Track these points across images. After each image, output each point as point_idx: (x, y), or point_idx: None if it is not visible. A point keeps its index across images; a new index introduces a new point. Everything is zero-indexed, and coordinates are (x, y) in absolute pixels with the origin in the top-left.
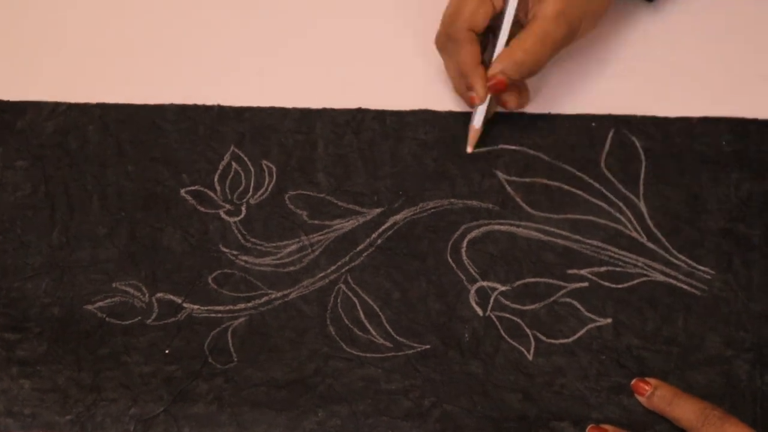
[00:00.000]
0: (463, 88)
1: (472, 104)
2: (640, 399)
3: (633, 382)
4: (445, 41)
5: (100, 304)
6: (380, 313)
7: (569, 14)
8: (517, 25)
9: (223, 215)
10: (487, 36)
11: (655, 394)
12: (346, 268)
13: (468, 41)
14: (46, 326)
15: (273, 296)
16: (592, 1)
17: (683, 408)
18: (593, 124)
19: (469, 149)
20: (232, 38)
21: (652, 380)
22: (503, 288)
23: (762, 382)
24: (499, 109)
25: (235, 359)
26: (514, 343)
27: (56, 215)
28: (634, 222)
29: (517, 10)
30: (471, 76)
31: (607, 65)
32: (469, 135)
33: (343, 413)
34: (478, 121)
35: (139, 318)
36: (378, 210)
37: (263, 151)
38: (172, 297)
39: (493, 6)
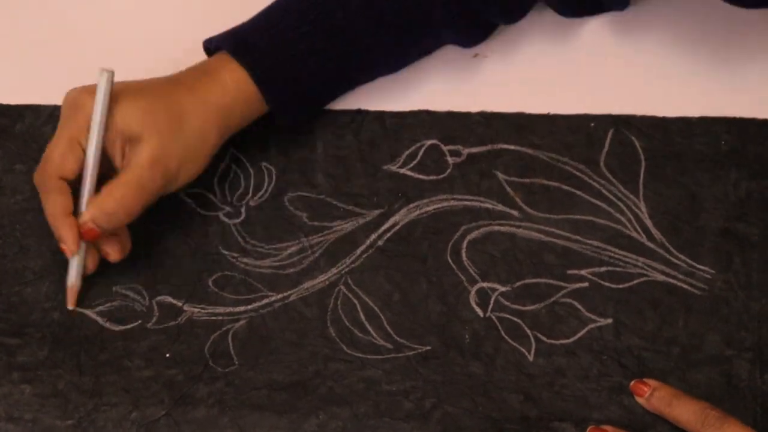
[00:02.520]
0: (58, 240)
1: (65, 254)
2: (640, 400)
3: (632, 383)
4: (39, 190)
5: (101, 308)
6: (381, 315)
7: (165, 162)
8: (114, 171)
9: (222, 217)
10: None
11: (654, 395)
12: (346, 269)
13: (55, 190)
14: (47, 331)
15: (273, 298)
16: (189, 148)
17: (682, 409)
18: (592, 124)
19: (70, 306)
20: None
21: (651, 381)
22: (503, 289)
23: (762, 382)
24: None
25: (236, 362)
26: (515, 344)
27: None
28: (634, 222)
29: (112, 155)
30: (59, 228)
31: (607, 65)
32: (67, 293)
33: (344, 415)
34: (72, 276)
35: (140, 322)
36: (378, 211)
37: (263, 153)
38: (172, 300)
39: (81, 146)
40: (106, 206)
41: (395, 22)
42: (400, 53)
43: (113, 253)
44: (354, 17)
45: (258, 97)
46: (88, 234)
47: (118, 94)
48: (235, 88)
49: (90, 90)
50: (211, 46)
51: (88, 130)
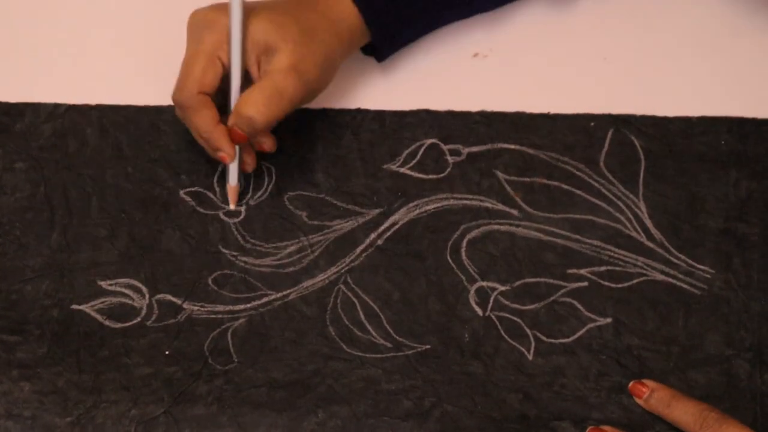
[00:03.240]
0: (212, 151)
1: (225, 163)
2: (638, 401)
3: (630, 384)
4: (180, 110)
5: (100, 306)
6: (380, 314)
7: (302, 69)
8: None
9: (222, 216)
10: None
11: (652, 396)
12: (346, 268)
13: (202, 104)
14: (46, 328)
15: (273, 297)
16: (323, 57)
17: (681, 410)
18: (592, 123)
19: (232, 206)
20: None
21: (649, 383)
22: (503, 288)
23: (762, 382)
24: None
25: (236, 360)
26: (514, 343)
27: (55, 217)
28: (634, 221)
29: (248, 67)
30: (213, 138)
31: (607, 65)
32: (228, 194)
33: (344, 414)
34: (233, 178)
35: (139, 319)
36: (377, 210)
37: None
38: (172, 298)
39: (223, 65)
40: (245, 111)
41: None
42: None
43: (268, 141)
44: None
45: (362, 28)
46: (236, 136)
47: (248, 10)
48: (345, 13)
49: (219, 8)
50: None
51: (225, 44)
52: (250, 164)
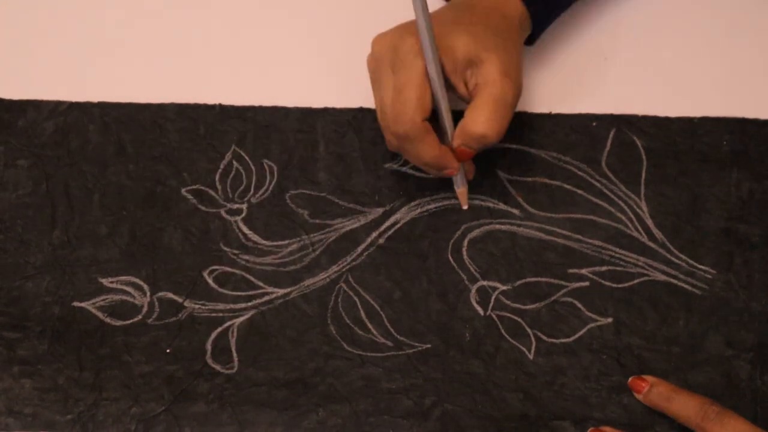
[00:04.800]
0: (435, 171)
1: (452, 176)
2: (638, 396)
3: (630, 380)
4: (402, 142)
5: (101, 303)
6: (381, 313)
7: (512, 72)
8: (451, 90)
9: (224, 214)
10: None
11: (652, 390)
12: (347, 267)
13: (425, 133)
14: (47, 325)
15: (274, 295)
16: (517, 57)
17: (682, 404)
18: (594, 123)
19: (465, 206)
20: (233, 37)
21: (649, 377)
22: (504, 287)
23: (762, 382)
24: None
25: (236, 358)
26: (515, 343)
27: (57, 214)
28: (635, 221)
29: (455, 85)
30: (442, 162)
31: (608, 65)
32: (460, 198)
33: (344, 412)
34: (462, 182)
35: (140, 317)
36: (379, 209)
37: (264, 150)
38: (173, 296)
39: (431, 84)
40: (476, 130)
41: None
42: None
43: (471, 171)
44: None
45: (524, 15)
46: (463, 155)
47: (436, 27)
48: (512, 6)
49: (405, 31)
50: None
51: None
52: (473, 172)
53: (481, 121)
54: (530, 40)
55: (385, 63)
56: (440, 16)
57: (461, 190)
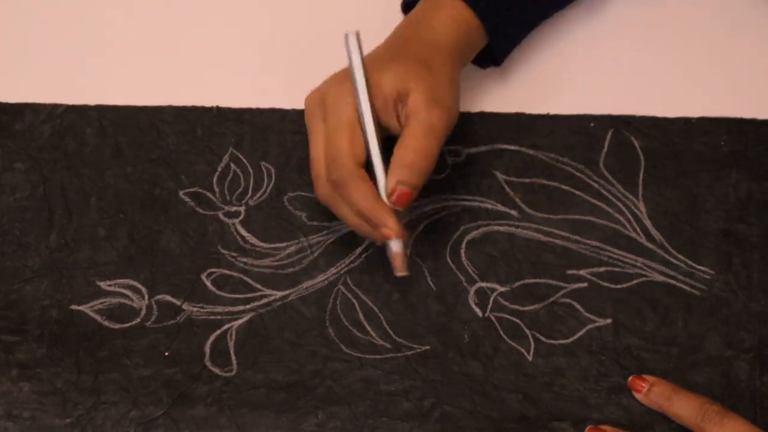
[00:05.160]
0: (369, 229)
1: (388, 239)
2: (638, 396)
3: (630, 379)
4: (332, 191)
5: (100, 306)
6: (380, 315)
7: (437, 97)
8: (385, 131)
9: (222, 217)
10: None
11: (652, 390)
12: (346, 269)
13: (361, 179)
14: (45, 329)
15: (272, 298)
16: (449, 82)
17: (681, 404)
18: (592, 124)
19: (401, 273)
20: (230, 40)
21: (648, 377)
22: (502, 289)
23: (761, 382)
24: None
25: (235, 361)
26: (514, 344)
27: (55, 217)
28: (633, 222)
29: (386, 123)
30: (376, 213)
31: (606, 65)
32: (395, 263)
33: (343, 414)
34: (399, 246)
35: (139, 320)
36: None
37: (262, 152)
38: (171, 299)
39: (361, 129)
40: (407, 160)
41: None
42: None
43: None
44: None
45: (478, 31)
46: (402, 198)
47: (367, 66)
48: (458, 24)
49: (337, 80)
50: None
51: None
52: (409, 237)
53: (412, 149)
54: (497, 60)
55: (315, 116)
56: (374, 56)
57: (400, 252)
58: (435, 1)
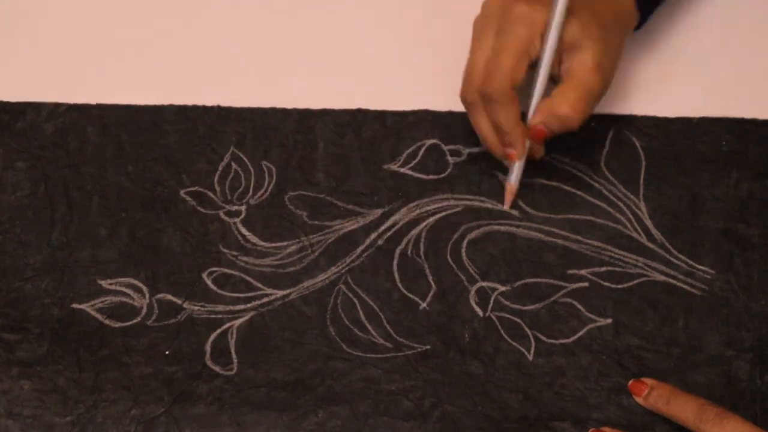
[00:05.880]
0: (497, 143)
1: (510, 160)
2: (638, 399)
3: (630, 383)
4: (479, 99)
5: (101, 305)
6: (380, 314)
7: (605, 66)
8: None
9: (223, 216)
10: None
11: (651, 393)
12: (347, 268)
13: (510, 100)
14: (46, 327)
15: (273, 297)
16: (615, 53)
17: (681, 406)
18: (593, 124)
19: (507, 207)
20: (231, 39)
21: (648, 380)
22: (503, 288)
23: (762, 383)
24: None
25: (236, 360)
26: (515, 344)
27: (56, 216)
28: (634, 222)
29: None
30: (512, 135)
31: None
32: (506, 194)
33: (344, 414)
34: (516, 177)
35: (140, 319)
36: (378, 210)
37: (263, 151)
38: (172, 298)
39: (530, 57)
40: (561, 110)
41: None
42: None
43: (539, 150)
44: None
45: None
46: (539, 135)
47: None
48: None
49: (537, 3)
50: None
51: (536, 40)
52: (541, 153)
53: (569, 103)
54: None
55: (491, 23)
56: None
57: (511, 184)
58: None
